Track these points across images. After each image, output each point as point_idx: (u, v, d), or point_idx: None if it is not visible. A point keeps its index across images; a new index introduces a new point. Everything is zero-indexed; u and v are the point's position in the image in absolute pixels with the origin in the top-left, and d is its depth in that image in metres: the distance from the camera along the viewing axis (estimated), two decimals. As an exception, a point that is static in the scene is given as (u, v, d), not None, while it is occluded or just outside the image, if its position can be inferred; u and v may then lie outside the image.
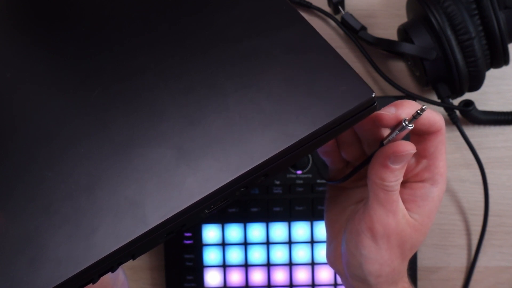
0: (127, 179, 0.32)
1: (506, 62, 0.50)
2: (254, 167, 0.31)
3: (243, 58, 0.35)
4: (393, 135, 0.33)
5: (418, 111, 0.32)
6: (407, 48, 0.50)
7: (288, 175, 0.54)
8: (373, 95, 0.32)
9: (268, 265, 0.55)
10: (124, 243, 0.30)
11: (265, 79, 0.34)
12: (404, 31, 0.51)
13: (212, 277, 0.55)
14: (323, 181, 0.54)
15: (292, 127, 0.32)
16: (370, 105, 0.33)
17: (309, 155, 0.54)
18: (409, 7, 0.53)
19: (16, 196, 0.32)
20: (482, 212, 0.56)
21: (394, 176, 0.34)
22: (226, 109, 0.33)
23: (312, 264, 0.55)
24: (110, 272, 0.32)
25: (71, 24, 0.39)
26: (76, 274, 0.29)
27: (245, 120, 0.33)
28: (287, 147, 0.32)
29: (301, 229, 0.54)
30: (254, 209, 0.54)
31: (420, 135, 0.35)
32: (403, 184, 0.36)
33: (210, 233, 0.55)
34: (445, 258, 0.57)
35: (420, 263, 0.57)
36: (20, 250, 0.30)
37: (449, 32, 0.48)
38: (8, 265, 0.30)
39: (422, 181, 0.36)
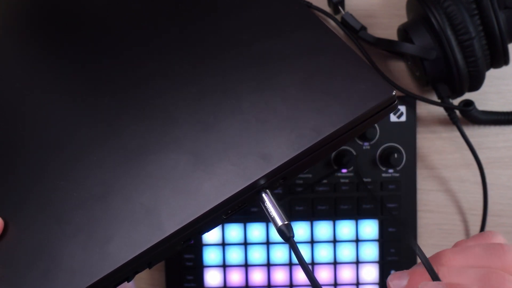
0: (141, 186, 0.31)
1: (506, 62, 0.50)
2: (272, 170, 0.31)
3: (257, 60, 0.34)
4: None
5: None
6: (407, 48, 0.50)
7: (288, 175, 0.54)
8: (394, 93, 0.32)
9: (268, 265, 0.55)
10: (140, 252, 0.29)
11: (280, 81, 0.33)
12: (404, 31, 0.51)
13: (212, 277, 0.55)
14: (323, 181, 0.54)
15: (310, 129, 0.31)
16: (391, 104, 0.32)
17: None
18: (409, 7, 0.53)
19: (28, 206, 0.32)
20: (481, 212, 0.56)
21: None
22: (241, 112, 0.32)
23: (312, 264, 0.55)
24: (126, 282, 0.32)
25: (80, 31, 0.39)
26: (91, 285, 0.29)
27: (261, 123, 0.32)
28: (305, 150, 0.31)
29: (301, 229, 0.54)
30: (254, 209, 0.54)
31: None
32: None
33: (210, 233, 0.54)
34: (445, 258, 0.57)
35: (420, 263, 0.57)
36: (33, 261, 0.30)
37: (449, 32, 0.48)
38: (22, 277, 0.29)
39: None
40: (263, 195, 0.32)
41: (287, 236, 0.31)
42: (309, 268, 0.30)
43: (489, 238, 0.33)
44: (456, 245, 0.34)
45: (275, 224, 0.31)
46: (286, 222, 0.31)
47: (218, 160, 0.31)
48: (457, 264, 0.31)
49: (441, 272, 0.31)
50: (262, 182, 0.31)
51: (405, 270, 0.33)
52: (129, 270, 0.30)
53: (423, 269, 0.32)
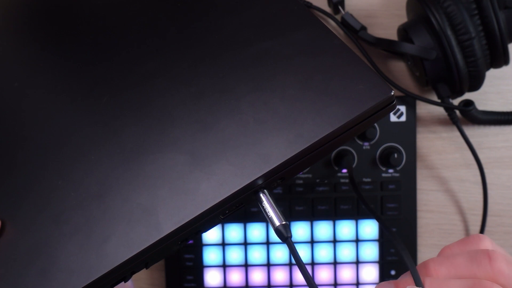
0: (139, 186, 0.31)
1: (506, 62, 0.50)
2: (270, 170, 0.31)
3: (256, 60, 0.34)
4: None
5: None
6: (407, 48, 0.50)
7: (288, 175, 0.54)
8: (392, 93, 0.32)
9: (268, 265, 0.55)
10: (137, 252, 0.29)
11: (279, 81, 0.33)
12: (404, 31, 0.51)
13: (212, 277, 0.55)
14: (324, 181, 0.54)
15: (308, 129, 0.31)
16: (389, 103, 0.32)
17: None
18: (409, 7, 0.53)
19: (26, 206, 0.32)
20: (481, 212, 0.56)
21: None
22: (239, 112, 0.32)
23: (312, 264, 0.55)
24: (123, 282, 0.32)
25: (79, 31, 0.39)
26: (88, 284, 0.29)
27: (259, 123, 0.32)
28: (303, 149, 0.31)
29: (301, 229, 0.54)
30: (254, 209, 0.54)
31: None
32: None
33: (210, 233, 0.55)
34: (445, 258, 0.57)
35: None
36: (30, 261, 0.30)
37: (449, 32, 0.48)
38: (19, 277, 0.29)
39: None
40: (261, 195, 0.32)
41: (284, 236, 0.31)
42: (306, 268, 0.30)
43: (475, 244, 0.32)
44: (441, 252, 0.33)
45: (273, 224, 0.31)
46: (283, 222, 0.31)
47: (216, 160, 0.31)
48: (442, 274, 0.31)
49: (426, 283, 0.30)
50: (259, 182, 0.31)
51: (391, 281, 0.32)
52: (126, 270, 0.30)
53: (409, 279, 0.31)
